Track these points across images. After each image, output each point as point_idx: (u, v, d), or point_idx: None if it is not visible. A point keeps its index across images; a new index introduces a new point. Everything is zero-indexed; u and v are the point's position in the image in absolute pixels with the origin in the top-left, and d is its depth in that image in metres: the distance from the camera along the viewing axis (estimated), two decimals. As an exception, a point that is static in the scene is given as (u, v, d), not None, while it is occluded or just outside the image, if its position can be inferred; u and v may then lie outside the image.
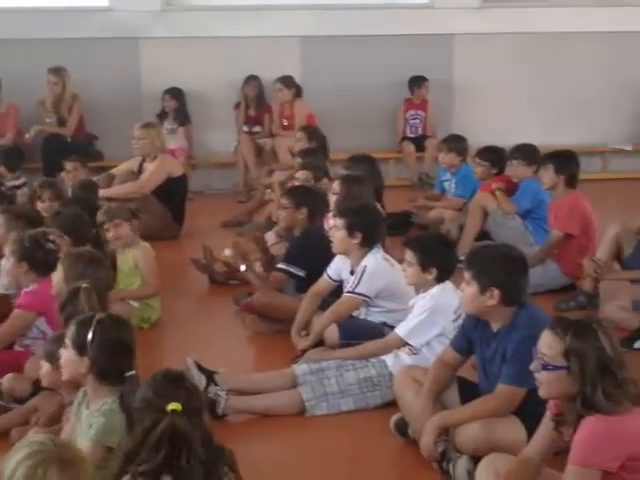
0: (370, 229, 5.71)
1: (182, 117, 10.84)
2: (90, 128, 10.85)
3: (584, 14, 11.24)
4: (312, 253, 6.29)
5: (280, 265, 6.37)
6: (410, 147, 11.05)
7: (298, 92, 10.90)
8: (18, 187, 9.28)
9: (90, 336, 3.70)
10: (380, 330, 5.49)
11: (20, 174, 9.61)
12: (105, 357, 3.68)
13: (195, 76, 10.90)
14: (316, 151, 8.51)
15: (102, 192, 8.26)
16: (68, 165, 8.95)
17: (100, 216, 6.52)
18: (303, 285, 6.28)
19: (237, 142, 10.86)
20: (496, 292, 4.20)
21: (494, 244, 5.94)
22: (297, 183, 7.70)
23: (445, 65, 11.30)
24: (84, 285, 4.65)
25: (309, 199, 6.58)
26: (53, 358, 4.15)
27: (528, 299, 4.37)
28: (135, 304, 6.41)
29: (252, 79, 10.91)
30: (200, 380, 4.93)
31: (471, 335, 4.43)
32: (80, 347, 3.72)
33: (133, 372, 3.67)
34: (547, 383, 3.41)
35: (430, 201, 9.05)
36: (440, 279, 5.05)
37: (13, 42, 10.68)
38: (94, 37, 10.76)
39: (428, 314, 5.01)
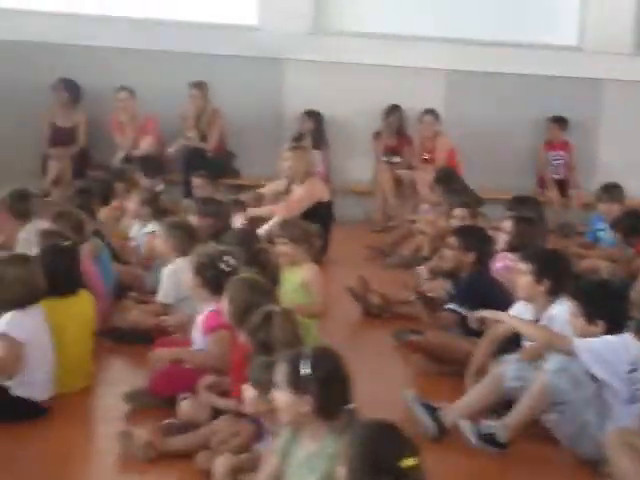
0: (559, 276, 5.46)
1: (319, 140, 10.70)
2: (228, 145, 10.79)
3: None
4: (483, 296, 6.08)
5: (450, 305, 6.16)
6: (553, 192, 10.71)
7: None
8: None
9: (307, 372, 3.44)
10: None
11: (158, 182, 9.52)
12: (327, 392, 3.43)
13: (336, 101, 10.81)
14: (464, 189, 8.35)
15: (250, 211, 8.19)
16: (196, 181, 8.93)
17: (276, 229, 6.47)
18: (470, 328, 6.08)
19: (376, 171, 10.70)
20: None
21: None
22: (454, 221, 7.56)
23: (591, 109, 10.98)
24: (276, 309, 4.52)
25: (479, 243, 6.39)
26: (259, 385, 3.99)
27: None
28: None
29: (395, 109, 10.76)
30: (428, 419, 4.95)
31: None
32: (297, 386, 3.46)
33: (352, 405, 3.45)
34: None
35: (583, 250, 8.73)
36: (609, 333, 4.74)
37: (156, 53, 10.76)
38: (239, 55, 10.74)
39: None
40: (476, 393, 5.11)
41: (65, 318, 5.31)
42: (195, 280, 5.48)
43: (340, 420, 3.40)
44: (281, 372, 3.49)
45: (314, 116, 10.69)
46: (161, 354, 5.38)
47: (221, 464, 4.16)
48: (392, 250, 8.96)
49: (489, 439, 4.85)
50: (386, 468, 2.92)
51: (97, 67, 10.65)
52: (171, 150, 10.43)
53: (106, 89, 10.47)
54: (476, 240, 6.34)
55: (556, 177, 10.91)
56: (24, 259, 5.18)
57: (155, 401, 5.24)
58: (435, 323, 6.23)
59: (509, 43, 10.93)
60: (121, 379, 5.76)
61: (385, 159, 10.72)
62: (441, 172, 9.38)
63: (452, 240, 6.38)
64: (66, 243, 5.57)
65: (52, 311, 5.20)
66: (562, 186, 10.85)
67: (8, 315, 4.98)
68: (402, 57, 10.69)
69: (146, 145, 10.40)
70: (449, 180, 8.98)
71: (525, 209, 7.26)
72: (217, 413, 4.82)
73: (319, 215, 8.57)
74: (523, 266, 5.52)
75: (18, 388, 4.96)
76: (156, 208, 7.64)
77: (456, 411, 5.01)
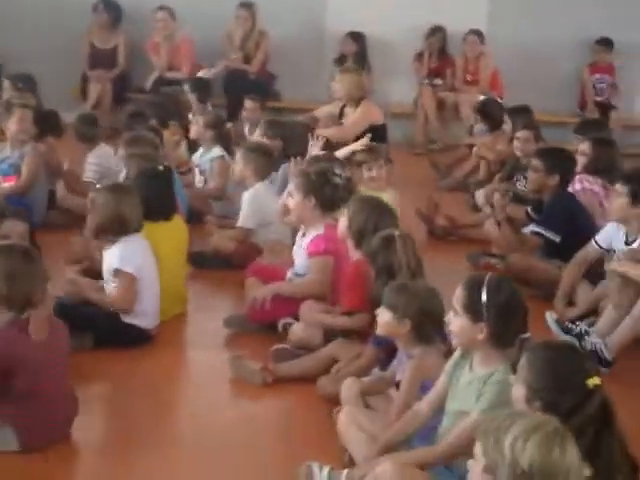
0: (656, 199, 5.45)
1: (361, 62, 10.48)
2: (270, 67, 10.67)
3: None
4: (568, 218, 6.09)
5: (536, 228, 6.16)
6: (593, 115, 10.60)
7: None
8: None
9: (485, 299, 3.36)
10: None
11: (207, 106, 9.37)
12: (503, 320, 3.36)
13: (378, 22, 10.60)
14: (527, 109, 8.26)
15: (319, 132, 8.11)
16: (248, 103, 8.78)
17: (361, 155, 6.40)
18: (552, 251, 6.12)
19: (417, 94, 10.60)
20: None
21: None
22: (517, 143, 7.52)
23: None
24: (396, 233, 4.49)
25: (563, 165, 6.32)
26: (393, 308, 3.99)
27: None
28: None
29: (437, 30, 10.62)
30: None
31: None
32: (474, 312, 3.38)
33: (528, 335, 3.44)
34: None
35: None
36: None
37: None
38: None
39: None
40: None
41: (161, 244, 5.28)
42: (306, 202, 5.31)
43: (512, 348, 3.37)
44: (458, 297, 3.43)
45: (357, 38, 10.55)
46: (260, 291, 5.25)
47: (349, 387, 4.16)
48: (447, 172, 8.93)
49: (595, 357, 4.88)
50: (572, 387, 2.92)
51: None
52: (213, 71, 10.27)
53: (147, 11, 10.31)
54: (560, 162, 6.28)
55: (598, 99, 10.83)
56: (122, 188, 5.14)
57: (255, 326, 5.26)
58: (517, 246, 6.21)
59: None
60: (212, 305, 5.79)
61: (427, 82, 10.60)
62: (485, 101, 9.30)
63: (535, 162, 6.31)
64: (160, 167, 5.51)
65: (149, 237, 5.17)
66: (603, 108, 10.76)
67: (116, 249, 4.96)
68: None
69: (186, 69, 10.27)
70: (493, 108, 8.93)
71: (594, 131, 7.22)
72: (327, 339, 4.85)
73: (374, 138, 8.49)
74: (620, 188, 5.49)
75: (129, 316, 4.97)
76: (220, 132, 7.55)
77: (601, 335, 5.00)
